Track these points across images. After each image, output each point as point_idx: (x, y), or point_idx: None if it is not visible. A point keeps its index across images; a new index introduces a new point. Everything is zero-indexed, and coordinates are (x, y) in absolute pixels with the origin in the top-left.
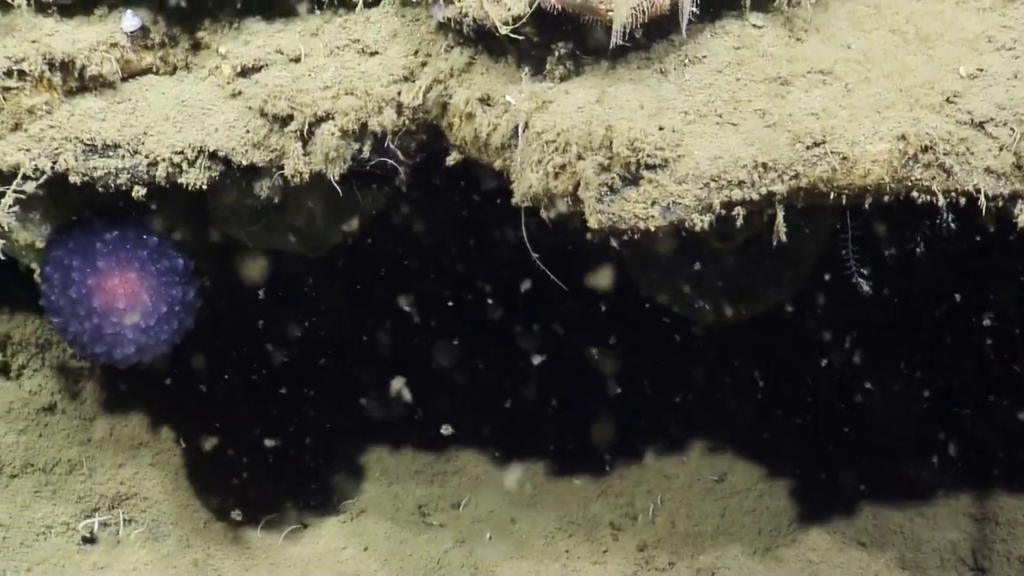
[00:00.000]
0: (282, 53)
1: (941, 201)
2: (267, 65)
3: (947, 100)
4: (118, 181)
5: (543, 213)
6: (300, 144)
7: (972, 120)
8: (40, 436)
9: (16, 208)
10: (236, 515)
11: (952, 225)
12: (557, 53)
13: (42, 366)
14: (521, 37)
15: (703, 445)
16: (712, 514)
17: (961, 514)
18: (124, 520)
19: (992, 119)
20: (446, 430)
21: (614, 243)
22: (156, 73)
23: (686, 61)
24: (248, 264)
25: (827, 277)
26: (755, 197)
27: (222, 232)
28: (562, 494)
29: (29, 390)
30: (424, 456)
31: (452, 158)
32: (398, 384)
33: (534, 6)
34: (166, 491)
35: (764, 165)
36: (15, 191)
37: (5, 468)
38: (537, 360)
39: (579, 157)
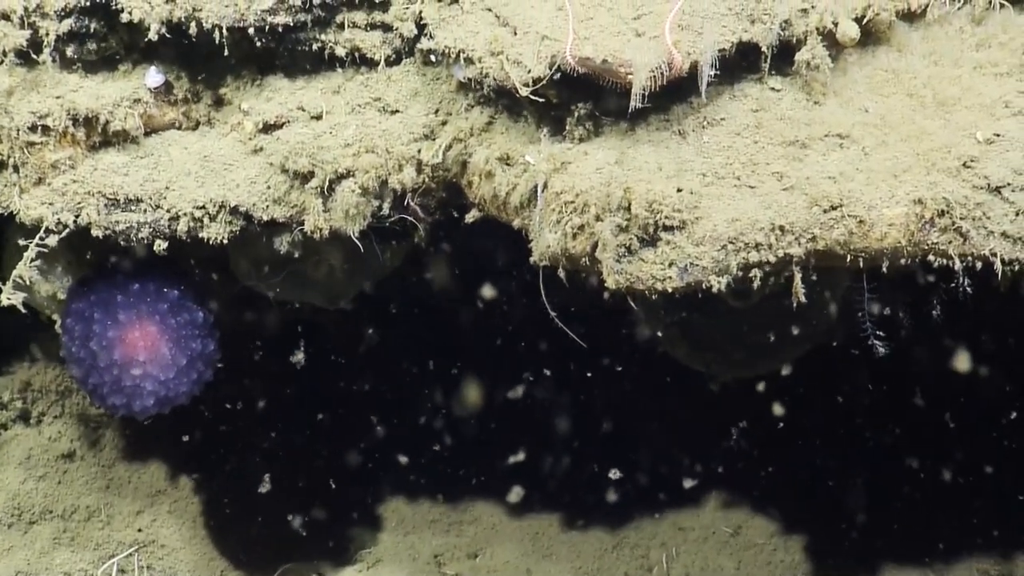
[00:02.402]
0: (304, 110)
1: (957, 265)
2: (289, 122)
3: (964, 165)
4: (140, 235)
5: (560, 272)
6: (320, 200)
7: (989, 185)
8: (59, 483)
9: (39, 261)
10: None
11: (968, 289)
12: (577, 114)
13: (62, 413)
14: (541, 98)
15: (718, 498)
16: (727, 567)
17: (976, 570)
18: (141, 567)
19: (1009, 184)
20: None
21: (631, 302)
22: (179, 128)
23: (705, 123)
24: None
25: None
26: (772, 259)
27: (243, 284)
28: (577, 545)
29: (49, 437)
30: (440, 506)
31: (471, 216)
32: (515, 497)
33: (554, 68)
34: (184, 539)
35: (781, 228)
36: (38, 244)
37: (24, 515)
38: (553, 411)
39: (597, 218)
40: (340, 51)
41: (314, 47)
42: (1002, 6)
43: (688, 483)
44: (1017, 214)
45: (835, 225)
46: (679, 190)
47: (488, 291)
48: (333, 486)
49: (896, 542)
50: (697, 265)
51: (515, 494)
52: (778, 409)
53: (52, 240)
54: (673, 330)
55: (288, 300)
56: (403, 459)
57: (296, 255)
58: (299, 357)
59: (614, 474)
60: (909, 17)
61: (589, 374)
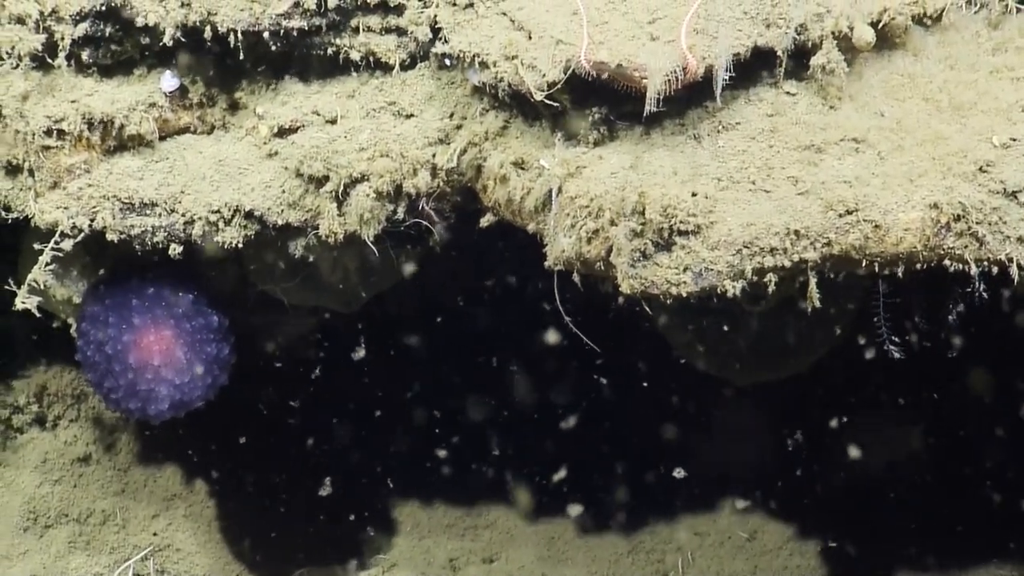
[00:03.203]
0: (319, 114)
1: (973, 270)
2: (304, 126)
3: (980, 169)
4: (155, 239)
5: (575, 277)
6: (335, 205)
7: (1005, 189)
8: (75, 487)
9: (53, 266)
10: None
11: (984, 294)
12: (591, 118)
13: (78, 417)
14: (556, 103)
15: (734, 503)
16: (743, 573)
17: None
18: (156, 571)
19: None
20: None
21: (646, 307)
22: (194, 132)
23: (720, 127)
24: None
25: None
26: (787, 264)
27: (258, 287)
28: (593, 550)
29: (65, 440)
30: (455, 510)
31: (486, 220)
32: (575, 511)
33: (568, 72)
34: (199, 543)
35: (796, 232)
36: (53, 249)
37: (40, 518)
38: (570, 415)
39: (612, 223)
40: (355, 55)
41: (329, 51)
42: (1018, 10)
43: (741, 503)
44: None
45: (851, 230)
46: (694, 194)
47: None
48: (348, 489)
49: (913, 547)
50: (712, 270)
51: (574, 510)
52: (796, 413)
53: (67, 244)
54: (690, 335)
55: (302, 303)
56: (419, 463)
57: (311, 258)
58: (318, 363)
59: (678, 473)
60: (925, 21)
61: (605, 378)
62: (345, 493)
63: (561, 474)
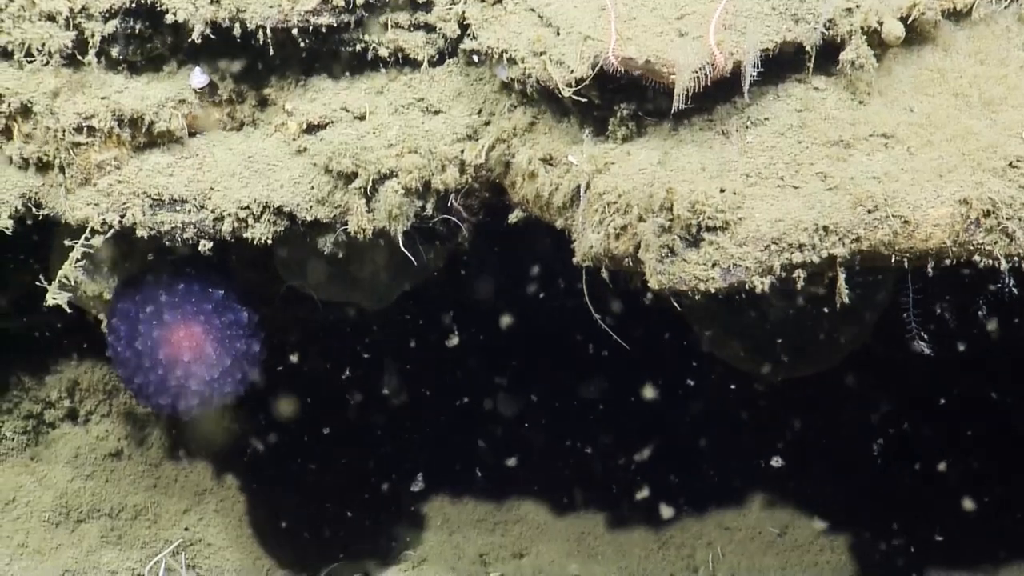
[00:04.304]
0: (347, 111)
1: (1003, 266)
2: (333, 122)
3: (1010, 164)
4: (184, 235)
5: (603, 273)
6: (364, 201)
7: None
8: (107, 481)
9: (84, 262)
10: None
11: (1013, 290)
12: (619, 114)
13: (109, 412)
14: (584, 99)
15: (764, 498)
16: (773, 568)
17: None
18: (187, 565)
19: None
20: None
21: (674, 303)
22: (223, 129)
23: (748, 123)
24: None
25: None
26: (816, 260)
27: (287, 283)
28: (622, 545)
29: (96, 435)
30: (485, 505)
31: (514, 216)
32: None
33: (597, 68)
34: (230, 538)
35: (825, 228)
36: (83, 245)
37: (72, 513)
38: (598, 410)
39: (640, 219)
40: (383, 51)
41: (357, 48)
42: None
43: (820, 524)
44: None
45: (879, 225)
46: (722, 190)
47: None
48: (383, 486)
49: (942, 543)
50: (740, 266)
51: (666, 512)
52: (824, 409)
53: (97, 240)
54: (720, 331)
55: (332, 299)
56: (450, 458)
57: (340, 255)
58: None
59: (776, 462)
60: (955, 16)
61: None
62: (376, 488)
63: (645, 493)
